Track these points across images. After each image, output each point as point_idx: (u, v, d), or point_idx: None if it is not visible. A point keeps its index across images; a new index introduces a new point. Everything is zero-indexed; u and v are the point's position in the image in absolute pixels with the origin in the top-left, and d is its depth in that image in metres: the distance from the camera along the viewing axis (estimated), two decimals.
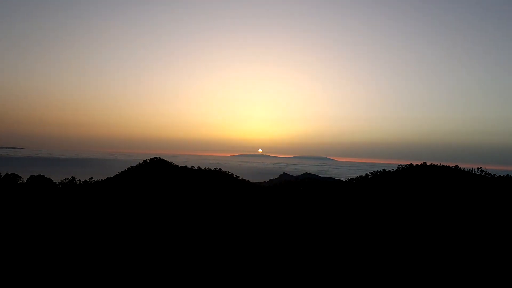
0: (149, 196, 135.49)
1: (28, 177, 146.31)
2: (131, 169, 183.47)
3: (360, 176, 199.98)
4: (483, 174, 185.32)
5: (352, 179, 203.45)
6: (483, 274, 61.46)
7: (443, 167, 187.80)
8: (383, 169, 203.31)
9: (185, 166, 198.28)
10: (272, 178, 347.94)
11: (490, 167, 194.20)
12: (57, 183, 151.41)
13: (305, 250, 74.11)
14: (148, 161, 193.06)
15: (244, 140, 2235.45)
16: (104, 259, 61.58)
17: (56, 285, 50.95)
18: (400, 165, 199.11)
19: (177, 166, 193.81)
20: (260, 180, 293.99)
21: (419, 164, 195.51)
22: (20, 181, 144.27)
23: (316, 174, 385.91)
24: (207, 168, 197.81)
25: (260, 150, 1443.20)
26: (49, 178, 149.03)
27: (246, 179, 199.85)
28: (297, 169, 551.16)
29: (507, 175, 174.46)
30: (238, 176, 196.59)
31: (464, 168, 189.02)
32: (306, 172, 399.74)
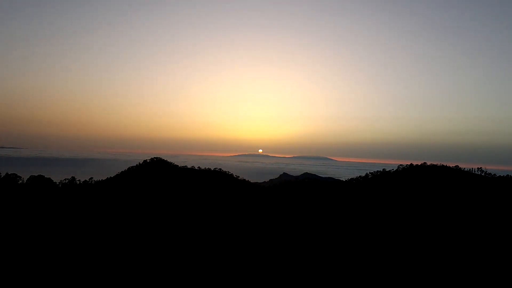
0: (149, 196, 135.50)
1: (28, 177, 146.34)
2: (131, 169, 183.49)
3: (360, 176, 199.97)
4: (483, 174, 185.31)
5: (352, 179, 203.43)
6: (483, 274, 61.46)
7: (443, 167, 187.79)
8: (383, 169, 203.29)
9: (185, 166, 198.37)
10: (272, 178, 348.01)
11: (490, 167, 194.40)
12: (57, 183, 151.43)
13: (305, 250, 74.11)
14: (148, 161, 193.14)
15: (244, 140, 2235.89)
16: (105, 259, 61.58)
17: (56, 285, 50.95)
18: (400, 165, 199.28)
19: (177, 166, 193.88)
20: (260, 180, 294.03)
21: (419, 164, 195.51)
22: (20, 181, 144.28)
23: (316, 174, 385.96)
24: (207, 168, 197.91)
25: (260, 150, 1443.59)
26: (49, 178, 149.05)
27: (246, 179, 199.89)
28: (297, 169, 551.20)
29: (507, 175, 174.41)
30: (238, 176, 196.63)
31: (464, 168, 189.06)
32: (306, 172, 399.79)
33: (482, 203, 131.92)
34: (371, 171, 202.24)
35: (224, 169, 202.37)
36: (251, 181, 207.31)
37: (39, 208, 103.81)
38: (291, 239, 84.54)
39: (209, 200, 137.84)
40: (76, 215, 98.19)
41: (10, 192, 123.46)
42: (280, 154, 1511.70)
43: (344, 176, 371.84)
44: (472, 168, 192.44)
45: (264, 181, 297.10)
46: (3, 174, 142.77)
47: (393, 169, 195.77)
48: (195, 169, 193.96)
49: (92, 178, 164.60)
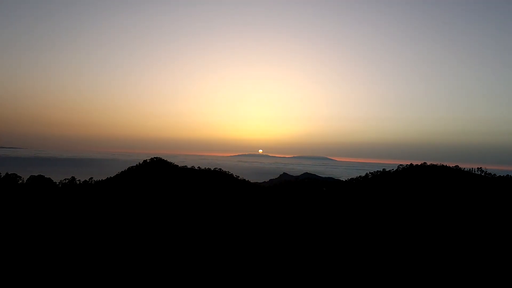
0: (149, 196, 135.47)
1: (28, 177, 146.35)
2: (131, 169, 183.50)
3: (360, 176, 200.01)
4: (483, 174, 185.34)
5: (352, 179, 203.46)
6: (483, 274, 61.47)
7: (443, 167, 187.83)
8: (383, 169, 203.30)
9: (185, 166, 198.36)
10: (272, 178, 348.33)
11: (490, 167, 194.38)
12: (57, 183, 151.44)
13: (305, 250, 74.10)
14: (148, 161, 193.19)
15: (244, 140, 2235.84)
16: (105, 259, 61.56)
17: (56, 285, 50.92)
18: (400, 165, 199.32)
19: (177, 166, 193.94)
20: (260, 180, 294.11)
21: (419, 164, 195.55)
22: (20, 181, 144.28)
23: (316, 174, 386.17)
24: (207, 168, 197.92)
25: (260, 151, 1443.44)
26: (49, 178, 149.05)
27: (246, 179, 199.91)
28: (297, 169, 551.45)
29: (507, 175, 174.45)
30: (238, 176, 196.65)
31: (464, 168, 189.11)
32: (306, 172, 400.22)
33: (482, 203, 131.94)
34: (371, 171, 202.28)
35: (224, 169, 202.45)
36: (251, 181, 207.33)
37: (39, 208, 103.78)
38: (291, 239, 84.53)
39: (209, 200, 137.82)
40: (76, 215, 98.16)
41: (10, 192, 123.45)
42: (280, 154, 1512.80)
43: (344, 176, 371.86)
44: (472, 168, 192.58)
45: (264, 181, 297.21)
46: (3, 174, 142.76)
47: (393, 169, 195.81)
48: (195, 169, 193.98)
49: (92, 178, 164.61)
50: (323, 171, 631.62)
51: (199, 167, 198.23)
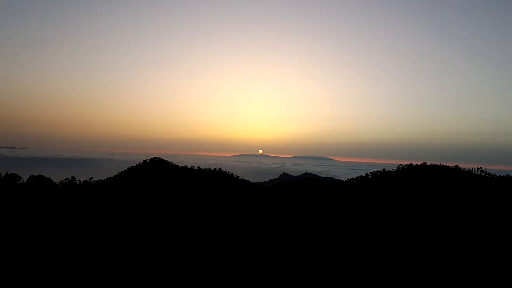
0: (150, 196, 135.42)
1: (28, 177, 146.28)
2: (131, 169, 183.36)
3: (360, 176, 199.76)
4: (483, 174, 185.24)
5: (352, 179, 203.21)
6: (483, 274, 61.44)
7: (443, 167, 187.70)
8: (383, 169, 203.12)
9: (185, 166, 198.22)
10: (272, 178, 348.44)
11: (490, 167, 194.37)
12: (57, 183, 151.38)
13: (306, 250, 74.07)
14: (148, 161, 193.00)
15: (244, 140, 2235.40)
16: (105, 259, 61.54)
17: (56, 285, 50.90)
18: (400, 165, 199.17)
19: (177, 166, 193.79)
20: (260, 180, 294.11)
21: (419, 164, 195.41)
22: (20, 181, 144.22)
23: (316, 174, 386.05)
24: (207, 168, 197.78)
25: (260, 151, 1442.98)
26: (49, 178, 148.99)
27: (246, 179, 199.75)
28: (297, 169, 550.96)
29: (507, 175, 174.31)
30: (238, 176, 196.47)
31: (464, 168, 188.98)
32: (306, 172, 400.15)
33: (482, 203, 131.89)
34: (371, 171, 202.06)
35: (224, 169, 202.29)
36: (251, 181, 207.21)
37: (39, 208, 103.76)
38: (291, 239, 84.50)
39: (209, 200, 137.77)
40: (76, 215, 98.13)
41: (10, 192, 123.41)
42: (280, 154, 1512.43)
43: (344, 176, 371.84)
44: (472, 168, 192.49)
45: (264, 181, 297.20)
46: (3, 174, 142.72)
47: (393, 169, 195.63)
48: (195, 169, 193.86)
49: (92, 178, 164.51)
50: (323, 171, 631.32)
51: (199, 167, 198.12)
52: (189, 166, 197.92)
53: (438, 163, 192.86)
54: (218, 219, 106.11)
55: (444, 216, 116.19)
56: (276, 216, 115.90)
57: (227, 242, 78.37)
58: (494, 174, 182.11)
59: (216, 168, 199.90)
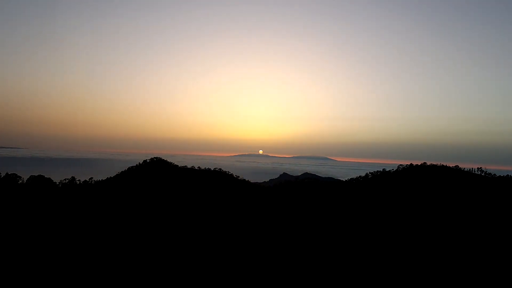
0: (150, 196, 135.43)
1: (28, 177, 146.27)
2: (131, 169, 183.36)
3: (360, 176, 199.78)
4: (483, 174, 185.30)
5: (352, 179, 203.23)
6: (483, 274, 61.45)
7: (443, 167, 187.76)
8: (383, 169, 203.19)
9: (185, 166, 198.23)
10: (272, 178, 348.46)
11: (490, 167, 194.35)
12: (57, 183, 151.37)
13: (306, 250, 74.07)
14: (148, 161, 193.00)
15: (244, 140, 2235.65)
16: (105, 259, 61.53)
17: (56, 285, 50.89)
18: (400, 165, 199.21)
19: (177, 166, 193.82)
20: (260, 180, 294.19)
21: (419, 164, 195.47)
22: (20, 181, 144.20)
23: (316, 174, 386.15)
24: (207, 168, 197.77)
25: (260, 151, 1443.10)
26: (49, 178, 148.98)
27: (246, 179, 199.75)
28: (297, 169, 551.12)
29: (507, 175, 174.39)
30: (238, 176, 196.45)
31: (464, 168, 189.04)
32: (306, 172, 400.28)
33: (482, 203, 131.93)
34: (371, 171, 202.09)
35: (224, 169, 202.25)
36: (251, 181, 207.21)
37: (39, 208, 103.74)
38: (292, 239, 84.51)
39: (209, 200, 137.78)
40: (76, 215, 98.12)
41: (10, 192, 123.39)
42: (280, 154, 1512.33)
43: (344, 176, 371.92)
44: (472, 168, 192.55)
45: (264, 181, 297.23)
46: (3, 174, 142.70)
47: (393, 169, 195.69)
48: (195, 169, 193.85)
49: (92, 178, 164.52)
50: (323, 171, 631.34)
51: (199, 167, 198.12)
52: (189, 166, 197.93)
53: (438, 163, 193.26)
54: (218, 219, 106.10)
55: (444, 216, 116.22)
56: (276, 216, 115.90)
57: (227, 242, 78.36)
58: (494, 174, 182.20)
59: (216, 168, 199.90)
